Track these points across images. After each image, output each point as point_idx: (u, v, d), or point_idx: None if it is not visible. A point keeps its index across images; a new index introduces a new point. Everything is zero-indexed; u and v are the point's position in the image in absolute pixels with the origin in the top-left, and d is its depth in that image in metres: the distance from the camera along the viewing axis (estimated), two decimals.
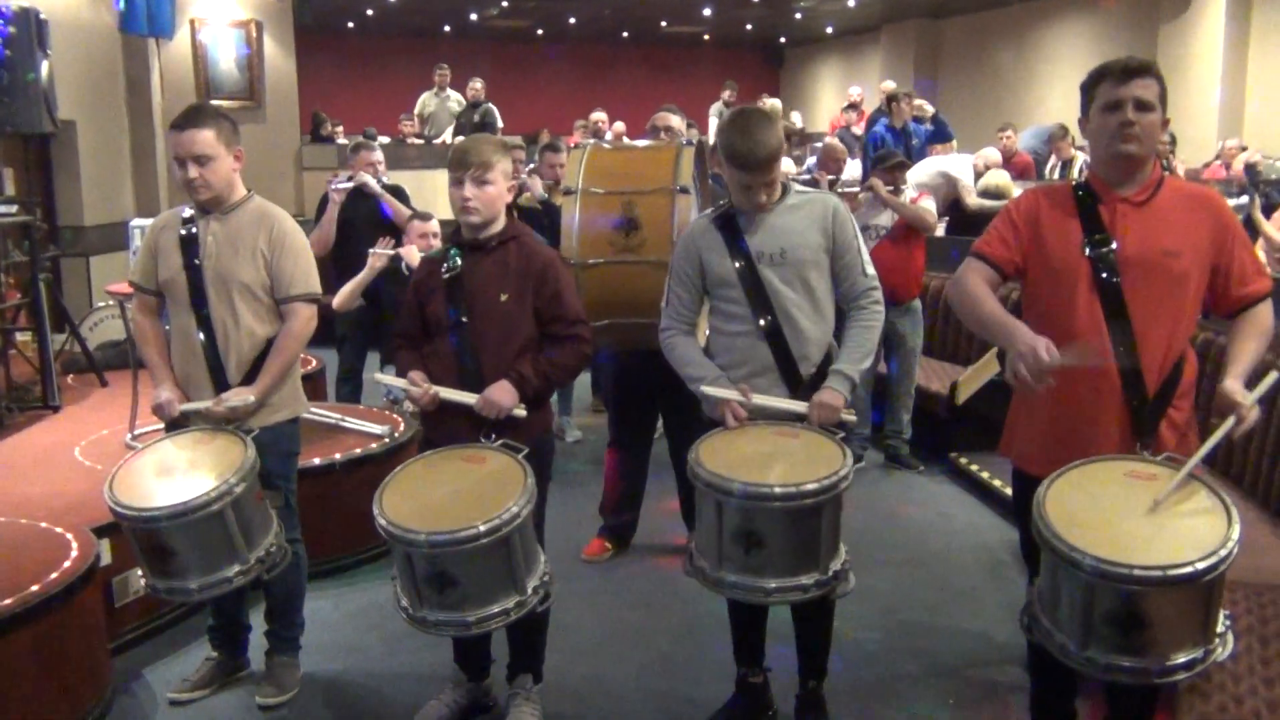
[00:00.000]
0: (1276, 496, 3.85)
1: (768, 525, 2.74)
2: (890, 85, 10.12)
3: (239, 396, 3.31)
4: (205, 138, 3.33)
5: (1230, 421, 2.51)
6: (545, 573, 3.01)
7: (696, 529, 2.95)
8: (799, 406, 3.06)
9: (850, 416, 3.08)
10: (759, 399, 3.07)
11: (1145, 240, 2.64)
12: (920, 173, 8.04)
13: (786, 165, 8.37)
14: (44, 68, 6.05)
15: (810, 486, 2.70)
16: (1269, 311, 2.71)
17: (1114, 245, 2.65)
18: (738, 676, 3.36)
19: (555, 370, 3.22)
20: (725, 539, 2.78)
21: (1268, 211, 6.43)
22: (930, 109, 10.34)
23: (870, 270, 3.19)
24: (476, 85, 12.28)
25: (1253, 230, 6.17)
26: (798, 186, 3.26)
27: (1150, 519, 2.36)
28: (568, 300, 3.24)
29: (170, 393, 3.39)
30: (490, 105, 12.32)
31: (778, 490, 2.70)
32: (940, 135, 10.05)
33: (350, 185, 6.02)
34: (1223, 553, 2.23)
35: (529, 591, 2.91)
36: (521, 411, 3.14)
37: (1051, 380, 2.52)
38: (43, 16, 6.13)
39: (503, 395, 3.11)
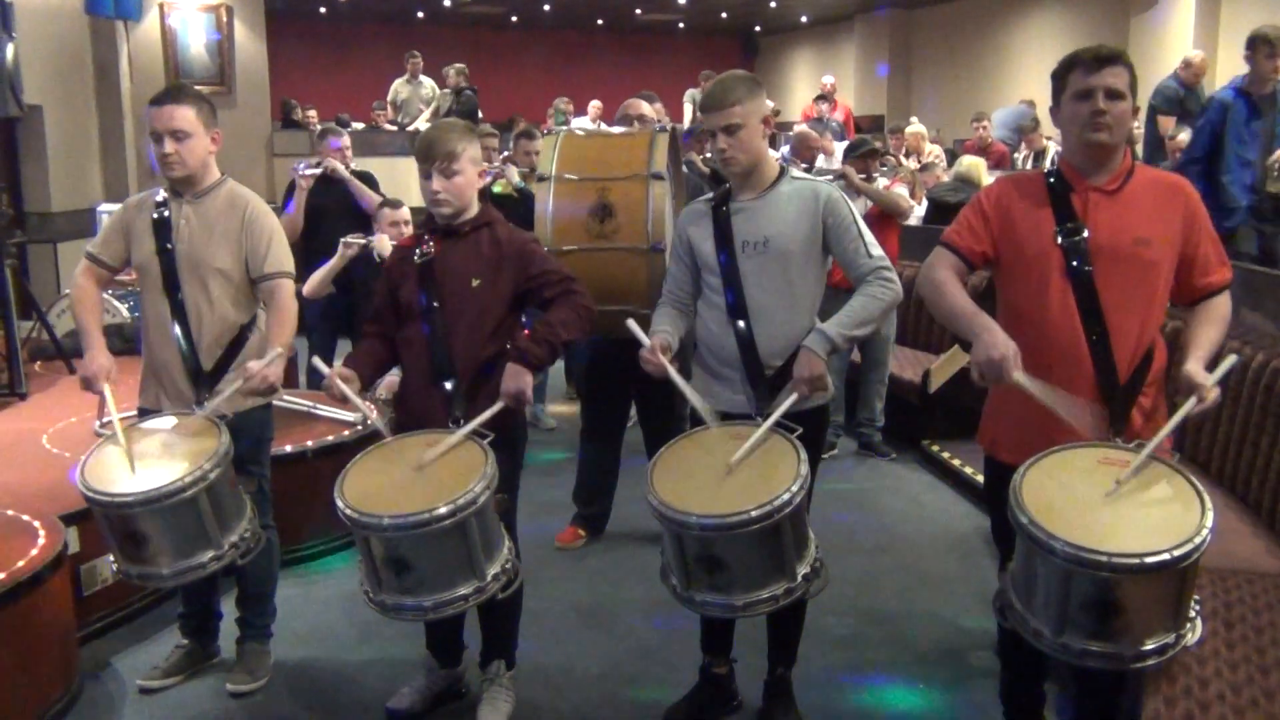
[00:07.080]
0: (1243, 483, 3.89)
1: (729, 550, 2.67)
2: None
3: (264, 360, 3.22)
4: (185, 114, 3.30)
5: (1191, 401, 2.52)
6: (509, 560, 2.98)
7: (663, 548, 2.91)
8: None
9: (823, 389, 3.02)
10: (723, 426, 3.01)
11: (1117, 229, 2.65)
12: None
13: None
14: (9, 51, 5.95)
15: (762, 510, 2.62)
16: (1228, 302, 2.74)
17: (1086, 234, 2.66)
18: (702, 665, 3.36)
19: (562, 329, 3.12)
20: (689, 563, 2.74)
21: None
22: None
23: (876, 251, 3.09)
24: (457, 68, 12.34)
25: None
26: (795, 173, 3.21)
27: (1124, 506, 2.37)
28: (553, 265, 3.23)
29: (105, 360, 3.29)
30: (467, 91, 12.28)
31: (732, 519, 2.61)
32: None
33: (317, 171, 5.98)
34: (1197, 540, 2.24)
35: (489, 578, 2.88)
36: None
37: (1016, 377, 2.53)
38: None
39: (514, 380, 3.06)
